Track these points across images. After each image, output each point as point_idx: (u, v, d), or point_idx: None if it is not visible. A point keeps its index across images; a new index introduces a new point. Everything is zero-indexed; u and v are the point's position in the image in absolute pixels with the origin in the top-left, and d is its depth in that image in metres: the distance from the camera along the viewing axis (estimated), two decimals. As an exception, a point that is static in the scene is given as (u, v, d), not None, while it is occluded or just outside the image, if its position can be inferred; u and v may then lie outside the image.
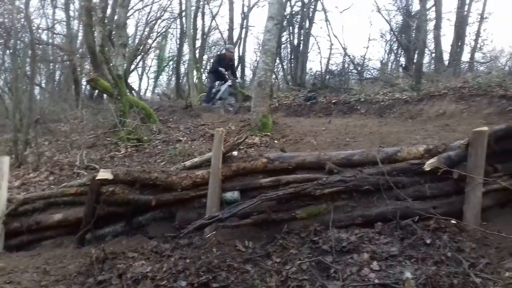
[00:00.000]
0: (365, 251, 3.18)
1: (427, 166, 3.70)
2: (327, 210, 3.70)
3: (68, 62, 16.05)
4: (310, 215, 3.70)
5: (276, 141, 6.80)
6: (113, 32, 12.30)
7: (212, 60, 13.95)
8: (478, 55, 15.00)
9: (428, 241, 3.19)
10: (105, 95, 12.55)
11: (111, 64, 8.52)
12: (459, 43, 13.88)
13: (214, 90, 11.18)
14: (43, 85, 18.17)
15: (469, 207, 3.50)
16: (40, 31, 16.92)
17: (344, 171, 3.92)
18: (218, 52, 13.02)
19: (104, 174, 4.10)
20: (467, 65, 13.76)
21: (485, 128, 3.60)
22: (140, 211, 4.26)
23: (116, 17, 11.93)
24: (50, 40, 18.28)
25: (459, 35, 13.92)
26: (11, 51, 12.07)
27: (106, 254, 3.50)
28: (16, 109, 8.21)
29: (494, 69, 12.24)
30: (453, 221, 3.34)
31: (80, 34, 17.82)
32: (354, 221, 3.62)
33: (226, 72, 10.86)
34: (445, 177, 3.65)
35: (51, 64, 17.94)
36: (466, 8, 14.51)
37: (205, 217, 3.71)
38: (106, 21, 11.07)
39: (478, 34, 14.89)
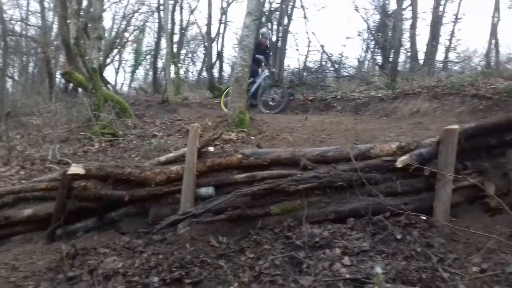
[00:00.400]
0: (337, 246, 3.22)
1: (399, 163, 3.76)
2: (301, 206, 3.72)
3: (42, 55, 15.68)
4: (284, 210, 3.72)
5: (252, 137, 6.81)
6: (89, 25, 12.07)
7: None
8: (452, 55, 15.34)
9: (398, 237, 3.25)
10: (80, 89, 12.31)
11: (86, 57, 8.38)
12: (434, 43, 14.15)
13: (255, 85, 10.21)
14: (16, 77, 17.71)
15: (439, 204, 3.57)
16: (13, 22, 16.50)
17: (318, 168, 3.94)
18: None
19: (75, 168, 4.02)
20: (441, 64, 14.04)
21: (456, 126, 3.68)
22: (113, 206, 4.20)
23: (92, 10, 11.70)
24: (24, 32, 17.83)
25: (434, 34, 14.20)
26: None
27: (77, 250, 3.44)
28: (-14, 102, 7.99)
29: (467, 69, 12.52)
30: (423, 217, 3.40)
31: (55, 26, 17.46)
32: (327, 217, 3.65)
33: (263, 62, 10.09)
34: (416, 174, 3.71)
35: (25, 56, 17.50)
36: (441, 8, 14.82)
37: (179, 212, 3.68)
38: (81, 13, 10.88)
39: (452, 34, 15.24)
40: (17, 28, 17.50)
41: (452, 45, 15.20)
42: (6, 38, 10.67)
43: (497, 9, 14.36)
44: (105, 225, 4.17)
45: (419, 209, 3.53)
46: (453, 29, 15.24)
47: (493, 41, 14.26)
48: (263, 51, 10.32)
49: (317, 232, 3.41)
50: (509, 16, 16.83)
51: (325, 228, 3.48)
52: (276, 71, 13.05)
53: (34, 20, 19.14)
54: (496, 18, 14.42)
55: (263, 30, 11.82)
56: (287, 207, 3.74)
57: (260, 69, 10.35)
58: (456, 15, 15.14)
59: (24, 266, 3.40)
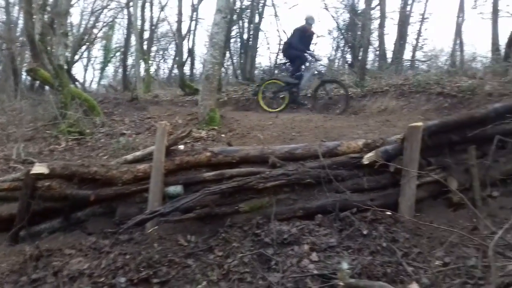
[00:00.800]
0: (305, 243, 3.25)
1: (365, 160, 3.83)
2: (269, 203, 3.74)
3: (6, 51, 15.19)
4: (253, 208, 3.73)
5: (223, 135, 6.79)
6: (55, 21, 11.75)
7: (287, 40, 10.40)
8: (419, 54, 15.69)
9: (365, 232, 3.31)
10: (46, 86, 11.99)
11: (52, 54, 8.17)
12: (402, 42, 14.45)
13: (304, 80, 9.14)
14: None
15: (404, 199, 3.66)
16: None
17: (286, 165, 3.96)
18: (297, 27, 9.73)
19: (39, 168, 3.92)
20: (408, 63, 14.35)
21: (420, 124, 3.77)
22: (79, 206, 4.11)
23: (58, 5, 11.40)
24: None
25: (402, 34, 14.49)
26: None
27: (41, 251, 3.37)
28: None
29: (433, 68, 12.85)
30: (388, 213, 3.48)
31: (21, 21, 16.92)
32: (295, 214, 3.69)
33: (311, 53, 9.16)
34: (382, 170, 3.80)
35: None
36: (408, 8, 15.14)
37: (147, 212, 3.64)
38: (47, 8, 10.58)
39: (419, 34, 15.60)
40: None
41: (419, 44, 15.55)
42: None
43: (461, 9, 14.80)
44: (71, 226, 4.08)
45: (385, 204, 3.62)
46: (420, 28, 15.60)
47: (458, 41, 14.68)
48: (307, 39, 9.45)
49: (286, 229, 3.43)
50: (473, 16, 17.34)
51: (293, 225, 3.50)
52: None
53: (-2, 15, 18.52)
54: (460, 18, 14.86)
55: (308, 15, 10.16)
56: (256, 204, 3.75)
57: (307, 63, 9.31)
58: (423, 14, 15.51)
59: (-14, 269, 3.30)
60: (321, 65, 10.04)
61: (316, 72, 9.09)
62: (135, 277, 3.00)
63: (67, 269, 3.16)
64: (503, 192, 3.92)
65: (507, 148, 4.06)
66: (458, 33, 14.64)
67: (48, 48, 8.37)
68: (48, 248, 3.47)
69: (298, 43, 9.16)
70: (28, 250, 3.39)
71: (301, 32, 9.29)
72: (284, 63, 10.07)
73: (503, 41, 11.78)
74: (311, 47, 9.77)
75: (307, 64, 9.30)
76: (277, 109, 9.17)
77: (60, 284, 3.03)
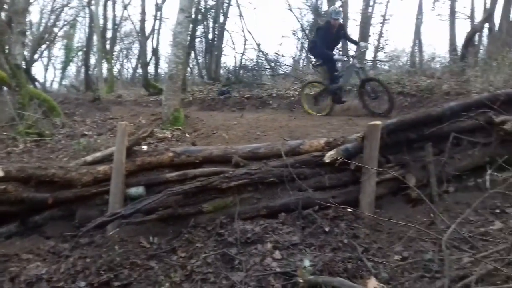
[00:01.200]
0: (268, 241, 3.27)
1: (326, 158, 3.88)
2: (233, 202, 3.74)
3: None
4: (216, 208, 3.72)
5: (188, 135, 6.76)
6: (13, 19, 11.33)
7: (312, 39, 9.42)
8: (380, 54, 16.08)
9: (327, 229, 3.36)
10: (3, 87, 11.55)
11: (10, 53, 7.89)
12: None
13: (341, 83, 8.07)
14: None
15: (364, 196, 3.74)
16: None
17: (250, 164, 3.98)
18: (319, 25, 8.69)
19: (-7, 171, 3.77)
20: (370, 63, 14.68)
21: (379, 122, 3.86)
22: (37, 210, 3.97)
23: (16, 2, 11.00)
24: None
25: (364, 35, 14.83)
26: None
27: (-3, 256, 3.25)
28: None
29: (394, 68, 13.19)
30: (349, 210, 3.54)
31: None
32: (259, 213, 3.70)
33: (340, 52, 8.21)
34: (343, 168, 3.86)
35: None
36: (370, 9, 15.50)
37: (107, 214, 3.57)
38: (5, 6, 10.21)
39: (380, 34, 16.00)
40: None
41: (381, 45, 15.95)
42: None
43: (420, 11, 15.27)
44: (28, 230, 3.94)
45: (346, 202, 3.67)
46: (381, 29, 16.02)
47: (417, 41, 15.13)
48: (334, 36, 8.19)
49: (249, 228, 3.44)
50: (432, 18, 17.96)
51: (257, 224, 3.51)
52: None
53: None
54: (419, 19, 15.33)
55: (331, 8, 8.92)
56: (220, 204, 3.74)
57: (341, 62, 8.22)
58: (384, 16, 15.95)
59: None
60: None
61: (357, 68, 7.89)
62: (96, 281, 2.95)
63: (24, 274, 3.07)
64: (458, 188, 4.04)
65: (462, 145, 4.19)
66: (417, 34, 15.11)
67: (6, 47, 8.08)
68: (4, 253, 3.36)
69: (322, 44, 8.07)
70: (-17, 255, 3.26)
71: (324, 31, 8.16)
72: (316, 63, 8.86)
73: (460, 42, 12.28)
74: (341, 42, 8.90)
75: (343, 62, 8.20)
76: (322, 113, 8.41)
77: (17, 290, 2.93)
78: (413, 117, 4.28)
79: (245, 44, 16.65)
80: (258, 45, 16.22)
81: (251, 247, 3.24)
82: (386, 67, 13.99)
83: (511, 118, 4.04)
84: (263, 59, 15.82)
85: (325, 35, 8.07)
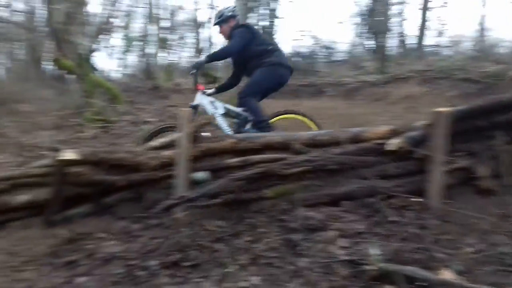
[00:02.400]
0: (332, 229, 3.27)
1: (390, 146, 3.78)
2: (294, 189, 3.75)
3: (29, 41, 15.43)
4: (278, 194, 3.75)
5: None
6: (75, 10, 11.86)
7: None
8: (441, 40, 15.37)
9: (393, 219, 3.31)
10: (69, 75, 12.17)
11: (74, 43, 8.29)
12: (424, 27, 14.18)
13: None
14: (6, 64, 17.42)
15: (432, 186, 3.61)
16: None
17: (310, 151, 3.96)
18: None
19: (69, 154, 3.98)
20: (432, 48, 14.10)
21: (446, 109, 3.72)
22: (108, 192, 4.18)
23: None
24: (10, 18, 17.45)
25: (424, 19, 14.22)
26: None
27: (75, 234, 3.47)
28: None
29: (457, 53, 12.60)
30: (416, 199, 3.46)
31: (42, 11, 17.08)
32: (320, 200, 3.68)
33: None
34: (408, 156, 3.75)
35: (13, 42, 17.17)
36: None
37: (174, 197, 3.71)
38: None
39: (441, 20, 15.27)
40: (6, 14, 17.09)
41: (442, 30, 15.23)
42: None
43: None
44: (101, 210, 4.16)
45: (412, 191, 3.59)
46: (441, 14, 15.31)
47: (481, 26, 14.35)
48: None
49: (312, 215, 3.44)
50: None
51: (319, 211, 3.51)
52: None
53: (20, 5, 18.74)
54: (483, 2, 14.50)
55: None
56: (281, 190, 3.77)
57: None
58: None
59: (23, 251, 3.43)
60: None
61: None
62: (166, 260, 3.06)
63: (100, 251, 3.26)
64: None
65: (536, 133, 3.96)
66: (482, 18, 14.30)
67: (70, 37, 8.49)
68: (81, 232, 3.59)
69: None
70: (62, 233, 3.50)
71: None
72: None
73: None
74: None
75: None
76: None
77: (93, 266, 3.12)
78: (481, 104, 4.08)
79: (299, 30, 16.49)
80: (313, 32, 16.01)
81: (314, 234, 3.25)
82: (447, 53, 13.42)
83: None
84: (318, 45, 15.58)
85: None
